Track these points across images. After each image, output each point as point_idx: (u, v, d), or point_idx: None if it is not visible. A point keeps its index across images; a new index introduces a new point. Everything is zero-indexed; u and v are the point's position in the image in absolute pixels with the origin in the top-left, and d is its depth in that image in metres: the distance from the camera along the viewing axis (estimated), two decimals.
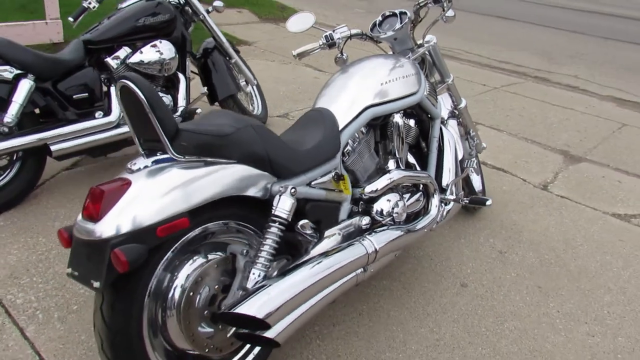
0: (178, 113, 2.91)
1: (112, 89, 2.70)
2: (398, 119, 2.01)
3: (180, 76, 2.97)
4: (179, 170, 1.39)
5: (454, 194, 2.23)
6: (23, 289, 2.01)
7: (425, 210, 2.11)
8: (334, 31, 2.18)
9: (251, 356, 1.66)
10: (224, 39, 3.24)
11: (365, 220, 1.86)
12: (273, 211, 1.53)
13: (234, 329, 1.51)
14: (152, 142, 1.42)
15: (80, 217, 1.34)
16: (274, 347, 1.62)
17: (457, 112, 2.50)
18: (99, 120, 2.62)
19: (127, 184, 1.34)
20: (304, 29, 2.21)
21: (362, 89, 1.94)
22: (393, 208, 1.94)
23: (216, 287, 1.51)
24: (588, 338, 1.99)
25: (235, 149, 1.48)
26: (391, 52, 2.33)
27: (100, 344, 1.38)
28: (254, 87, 3.56)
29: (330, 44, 2.16)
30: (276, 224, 1.52)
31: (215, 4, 3.18)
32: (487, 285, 2.24)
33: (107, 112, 2.66)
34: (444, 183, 2.20)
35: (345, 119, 1.88)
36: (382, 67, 2.03)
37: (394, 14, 2.23)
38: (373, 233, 1.81)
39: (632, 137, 4.02)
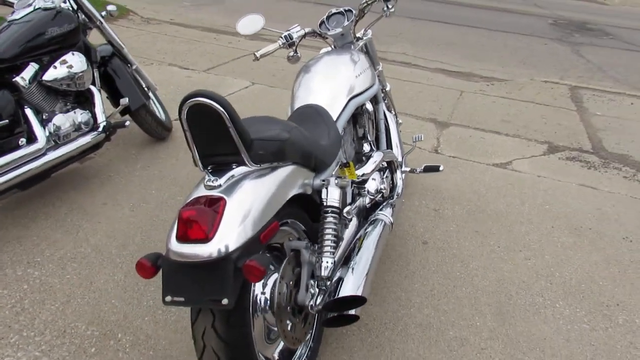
0: (100, 129, 2.71)
1: (29, 110, 2.41)
2: (369, 106, 2.26)
3: (93, 89, 2.76)
4: (260, 179, 1.45)
5: (408, 167, 2.58)
6: (19, 347, 1.79)
7: (393, 184, 2.41)
8: (289, 31, 2.31)
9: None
10: (122, 45, 3.06)
11: (367, 200, 2.09)
12: (325, 202, 1.67)
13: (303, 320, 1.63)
14: (222, 156, 1.44)
15: (174, 242, 1.32)
16: (355, 322, 1.77)
17: (384, 95, 2.84)
18: (26, 148, 2.33)
19: (222, 200, 1.36)
20: (255, 30, 2.30)
21: (342, 83, 2.13)
22: (380, 185, 2.20)
23: (290, 282, 1.61)
24: (527, 261, 2.53)
25: (293, 151, 1.58)
26: (332, 47, 2.54)
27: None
28: (154, 93, 3.42)
29: (290, 43, 2.30)
30: (330, 213, 1.67)
31: (109, 7, 2.98)
32: (441, 238, 2.66)
33: (32, 138, 2.37)
34: (399, 158, 2.53)
35: (336, 112, 2.06)
36: (349, 62, 2.25)
37: (340, 12, 2.44)
38: (381, 210, 2.05)
39: (473, 101, 4.87)
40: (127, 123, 2.85)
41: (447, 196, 3.06)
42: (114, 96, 3.00)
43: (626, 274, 2.50)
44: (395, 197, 2.29)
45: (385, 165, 2.42)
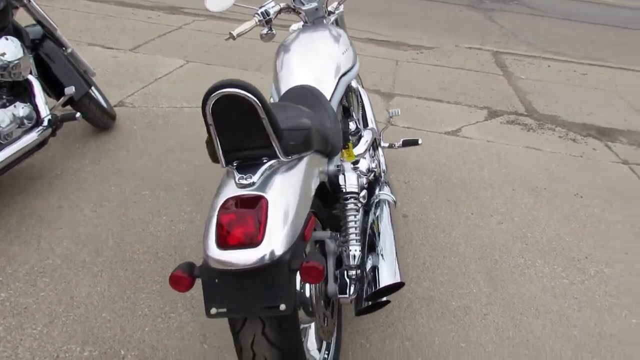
0: (45, 124, 2.42)
1: None
2: (354, 83, 2.20)
3: (31, 78, 2.45)
4: (292, 172, 1.37)
5: (386, 142, 2.57)
6: None
7: (377, 161, 2.39)
8: (264, 7, 2.17)
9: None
10: (56, 26, 2.73)
11: (364, 180, 2.06)
12: (344, 189, 1.62)
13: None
14: (250, 150, 1.33)
15: (214, 249, 1.21)
16: (386, 305, 1.73)
17: None
18: None
19: (262, 199, 1.26)
20: (225, 7, 2.15)
21: (330, 61, 2.05)
22: (371, 164, 2.17)
23: None
24: (500, 225, 2.65)
25: (317, 139, 1.50)
26: (304, 22, 2.43)
27: None
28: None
29: (267, 20, 2.16)
30: (351, 200, 1.62)
31: None
32: (418, 210, 2.70)
33: None
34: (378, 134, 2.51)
35: (329, 92, 1.99)
36: (332, 38, 2.16)
37: None
38: (381, 190, 2.02)
39: (409, 70, 4.96)
40: (78, 115, 2.57)
41: (412, 168, 3.11)
42: (51, 85, 2.68)
43: (585, 228, 2.70)
44: (382, 174, 2.28)
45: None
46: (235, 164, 1.35)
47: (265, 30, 2.23)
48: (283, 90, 2.00)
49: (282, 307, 1.21)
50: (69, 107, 2.74)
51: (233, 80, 1.24)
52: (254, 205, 1.25)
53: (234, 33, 2.11)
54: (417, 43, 5.99)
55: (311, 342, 1.64)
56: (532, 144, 3.63)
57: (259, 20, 2.15)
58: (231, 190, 1.30)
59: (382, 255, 1.57)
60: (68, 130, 3.06)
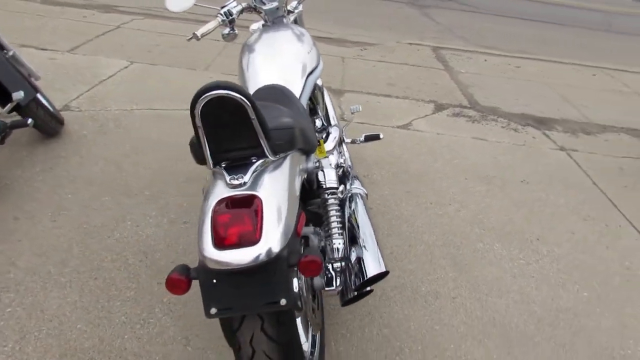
0: None
1: None
2: (319, 82, 2.24)
3: None
4: (279, 170, 1.40)
5: (349, 138, 2.63)
6: None
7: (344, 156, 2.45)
8: (226, 7, 2.17)
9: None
10: None
11: (336, 175, 2.11)
12: (324, 185, 1.66)
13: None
14: (239, 150, 1.35)
15: (211, 249, 1.22)
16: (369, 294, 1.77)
17: None
18: None
19: (256, 198, 1.28)
20: (186, 7, 2.14)
21: (296, 60, 2.08)
22: (339, 159, 2.23)
23: None
24: (459, 213, 2.79)
25: (300, 137, 1.53)
26: (264, 21, 2.44)
27: None
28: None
29: (231, 20, 2.16)
30: (331, 195, 1.67)
31: None
32: (381, 203, 2.79)
33: None
34: None
35: (298, 91, 2.02)
36: (296, 38, 2.19)
37: None
38: (352, 184, 2.08)
39: (356, 67, 5.06)
40: (30, 121, 2.45)
41: (371, 162, 3.19)
42: None
43: (534, 212, 2.89)
44: (350, 169, 2.34)
45: None
46: (223, 165, 1.35)
47: (227, 31, 2.23)
48: (252, 89, 2.01)
49: (283, 302, 1.24)
50: (14, 113, 2.60)
51: (221, 82, 1.25)
52: (247, 205, 1.27)
53: (198, 34, 2.09)
54: (360, 40, 6.11)
55: (300, 336, 1.67)
56: (478, 134, 3.82)
57: (222, 21, 2.15)
58: (222, 191, 1.31)
59: (364, 246, 1.63)
60: (12, 137, 2.90)
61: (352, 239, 1.69)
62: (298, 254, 1.28)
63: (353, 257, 1.62)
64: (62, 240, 2.22)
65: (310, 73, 2.10)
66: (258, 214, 1.25)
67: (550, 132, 4.06)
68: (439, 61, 5.58)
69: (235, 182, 1.30)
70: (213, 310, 1.23)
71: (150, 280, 2.06)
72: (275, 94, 1.92)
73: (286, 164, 1.44)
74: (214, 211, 1.26)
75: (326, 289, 1.59)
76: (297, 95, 1.98)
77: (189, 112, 1.26)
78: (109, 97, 3.60)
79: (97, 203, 2.48)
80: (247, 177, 1.32)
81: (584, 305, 2.22)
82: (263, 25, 2.42)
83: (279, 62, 2.07)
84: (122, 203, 2.50)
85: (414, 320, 2.03)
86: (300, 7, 2.50)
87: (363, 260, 1.56)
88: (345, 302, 1.62)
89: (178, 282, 1.24)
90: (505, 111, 4.38)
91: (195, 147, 1.40)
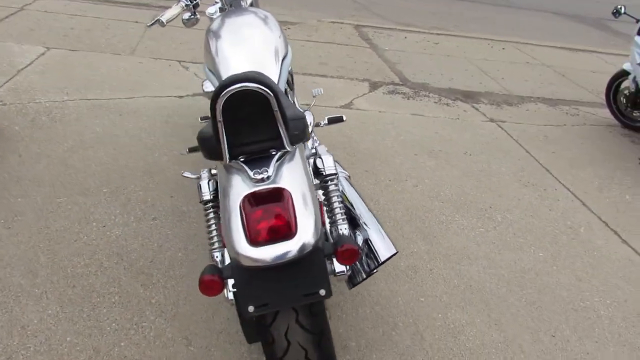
0: None
1: None
2: (291, 68, 2.22)
3: None
4: (296, 161, 1.40)
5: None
6: None
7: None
8: None
9: None
10: None
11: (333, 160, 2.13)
12: (324, 172, 1.67)
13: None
14: (258, 143, 1.32)
15: (246, 247, 1.21)
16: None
17: None
18: None
19: (284, 191, 1.27)
20: None
21: (269, 46, 2.04)
22: (315, 143, 2.24)
23: None
24: (416, 188, 2.92)
25: (307, 128, 1.52)
26: (222, 4, 2.35)
27: (304, 355, 1.34)
28: None
29: (195, 4, 2.07)
30: (331, 181, 1.68)
31: None
32: None
33: None
34: None
35: (275, 77, 1.99)
36: (263, 22, 2.15)
37: None
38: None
39: None
40: None
41: (325, 143, 3.22)
42: None
43: (481, 181, 3.10)
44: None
45: None
46: (241, 159, 1.32)
47: (188, 15, 2.13)
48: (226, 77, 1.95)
49: (322, 292, 1.26)
50: None
51: (247, 74, 1.22)
52: (276, 199, 1.26)
53: (163, 20, 1.98)
54: (282, 19, 6.03)
55: None
56: (415, 110, 3.98)
57: (186, 5, 2.04)
58: (247, 186, 1.28)
59: (367, 228, 1.66)
60: None
61: (353, 222, 1.72)
62: (332, 243, 1.29)
63: (360, 240, 1.65)
64: (24, 248, 2.03)
65: (284, 58, 2.07)
66: (290, 207, 1.24)
67: (477, 105, 4.32)
68: (363, 39, 5.69)
69: (260, 176, 1.28)
70: (251, 308, 1.22)
71: (132, 282, 1.96)
72: None
73: (298, 153, 1.43)
74: (243, 207, 1.23)
75: (337, 272, 1.61)
76: (275, 81, 1.96)
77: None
78: (34, 88, 3.29)
79: (53, 205, 2.29)
80: (270, 170, 1.30)
81: (542, 265, 2.44)
82: (220, 9, 2.34)
83: (252, 48, 2.02)
84: (80, 203, 2.33)
85: (400, 295, 2.12)
86: None
87: (371, 242, 1.60)
88: (354, 285, 1.66)
89: (212, 283, 1.21)
90: (434, 86, 4.59)
91: (208, 141, 1.34)
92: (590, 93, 5.04)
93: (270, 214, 1.22)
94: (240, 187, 1.30)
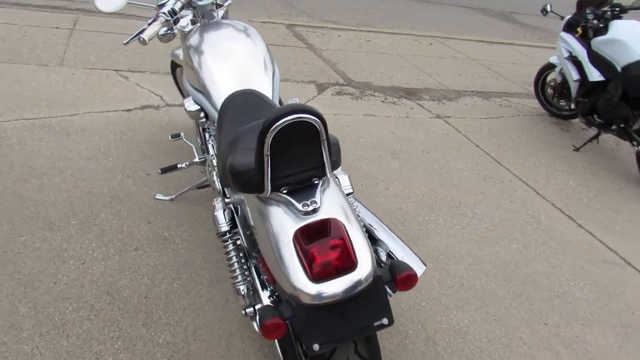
0: None
1: None
2: None
3: None
4: (334, 187, 1.36)
5: None
6: None
7: None
8: (163, 4, 1.95)
9: None
10: None
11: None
12: (345, 190, 1.65)
13: None
14: (301, 173, 1.27)
15: (308, 284, 1.17)
16: None
17: None
18: None
19: (337, 222, 1.24)
20: (118, 7, 1.89)
21: (260, 62, 1.98)
22: None
23: None
24: (388, 190, 2.96)
25: (340, 153, 1.47)
26: (194, 17, 2.24)
27: None
28: None
29: (175, 19, 1.95)
30: (351, 198, 1.67)
31: None
32: None
33: None
34: None
35: (270, 93, 1.93)
36: (246, 35, 2.07)
37: None
38: None
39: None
40: None
41: None
42: None
43: (445, 179, 3.21)
44: None
45: None
46: (284, 191, 1.26)
47: (164, 30, 2.01)
48: (219, 96, 1.86)
49: (385, 321, 1.24)
50: None
51: (294, 105, 1.16)
52: (328, 230, 1.22)
53: (145, 37, 1.85)
54: None
55: None
56: (367, 111, 4.03)
57: (166, 20, 1.92)
58: (296, 218, 1.23)
59: (383, 241, 1.65)
60: None
61: (371, 239, 1.71)
62: (386, 269, 1.28)
63: (383, 256, 1.64)
64: None
65: (274, 73, 2.01)
66: (346, 238, 1.21)
67: (421, 102, 4.46)
68: (299, 39, 5.65)
69: (309, 207, 1.24)
70: (316, 347, 1.18)
71: (132, 323, 1.82)
72: (255, 100, 1.81)
73: (331, 179, 1.39)
74: (297, 242, 1.18)
75: None
76: (272, 98, 1.90)
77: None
78: None
79: (17, 245, 2.06)
80: (318, 201, 1.25)
81: (519, 256, 2.58)
82: (192, 21, 2.22)
83: (239, 62, 1.94)
84: (49, 239, 2.12)
85: (403, 302, 2.15)
86: (230, 1, 2.33)
87: (395, 257, 1.60)
88: None
89: (276, 326, 1.16)
90: (377, 85, 4.67)
91: (246, 174, 1.27)
92: (516, 84, 5.38)
93: (329, 247, 1.18)
94: (288, 221, 1.24)
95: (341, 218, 1.26)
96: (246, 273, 1.58)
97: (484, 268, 2.44)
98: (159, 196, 2.49)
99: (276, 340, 1.54)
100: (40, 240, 2.11)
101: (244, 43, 2.03)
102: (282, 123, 1.14)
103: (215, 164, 2.00)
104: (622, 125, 3.56)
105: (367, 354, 1.32)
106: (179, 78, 2.98)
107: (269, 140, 1.16)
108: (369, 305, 1.22)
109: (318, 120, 1.18)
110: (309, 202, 1.25)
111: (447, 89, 4.90)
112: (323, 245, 1.18)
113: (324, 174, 1.30)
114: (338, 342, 1.20)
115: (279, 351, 1.50)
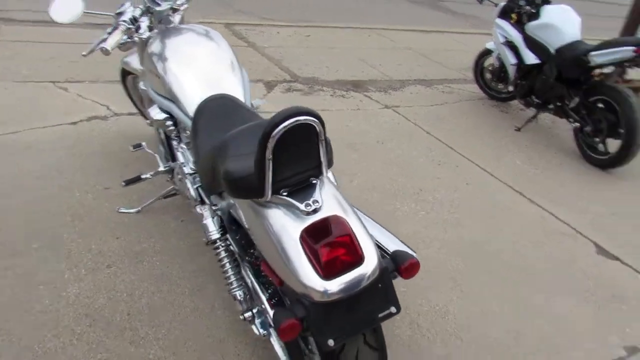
0: None
1: None
2: None
3: None
4: (330, 184, 1.39)
5: None
6: None
7: None
8: (122, 12, 1.89)
9: None
10: None
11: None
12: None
13: None
14: (300, 174, 1.29)
15: (319, 282, 1.19)
16: None
17: None
18: None
19: (340, 218, 1.27)
20: (74, 17, 1.83)
21: (223, 62, 1.97)
22: None
23: None
24: (353, 183, 3.02)
25: (332, 151, 1.48)
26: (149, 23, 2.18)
27: None
28: None
29: (137, 27, 1.90)
30: None
31: None
32: None
33: None
34: None
35: (242, 96, 1.93)
36: (211, 40, 2.05)
37: None
38: None
39: None
40: None
41: None
42: None
43: (402, 167, 3.30)
44: None
45: None
46: (284, 193, 1.27)
47: (125, 38, 1.95)
48: (190, 101, 1.84)
49: (393, 309, 1.28)
50: None
51: (293, 108, 1.17)
52: (333, 228, 1.24)
53: (108, 47, 1.79)
54: None
55: None
56: (319, 106, 4.06)
57: (127, 29, 1.86)
58: (299, 219, 1.25)
59: (378, 235, 1.69)
60: None
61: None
62: (394, 260, 1.32)
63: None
64: None
65: (242, 74, 2.01)
66: (352, 234, 1.24)
67: (368, 93, 4.55)
68: (239, 38, 5.60)
69: (311, 207, 1.26)
70: (331, 342, 1.20)
71: (119, 342, 1.76)
72: (231, 105, 1.81)
73: (325, 177, 1.41)
74: (304, 242, 1.20)
75: None
76: (243, 101, 1.90)
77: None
78: None
79: None
80: (318, 202, 1.28)
81: (482, 235, 2.71)
82: (149, 27, 2.16)
83: (207, 66, 1.93)
84: (14, 266, 2.01)
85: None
86: (187, 5, 2.29)
87: (383, 246, 1.63)
88: None
89: (292, 326, 1.18)
90: (324, 80, 4.72)
91: (244, 180, 1.27)
92: (454, 71, 5.59)
93: (337, 244, 1.20)
94: (292, 222, 1.26)
95: (342, 214, 1.28)
96: (241, 278, 1.57)
97: (452, 250, 2.54)
98: (123, 210, 2.41)
99: (276, 341, 1.56)
100: (4, 268, 1.99)
101: (208, 47, 2.00)
102: (285, 127, 1.15)
103: (187, 171, 1.97)
104: (558, 104, 3.79)
105: (375, 342, 1.36)
106: (130, 86, 2.89)
107: (271, 144, 1.16)
108: (377, 296, 1.25)
109: (317, 121, 1.20)
110: (310, 202, 1.26)
111: (391, 79, 5.02)
112: (331, 243, 1.20)
113: (321, 173, 1.31)
114: (351, 335, 1.23)
115: (279, 352, 1.52)
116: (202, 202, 1.92)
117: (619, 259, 2.64)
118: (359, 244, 1.23)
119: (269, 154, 1.17)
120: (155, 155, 2.38)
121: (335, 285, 1.18)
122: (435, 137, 3.81)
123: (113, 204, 2.45)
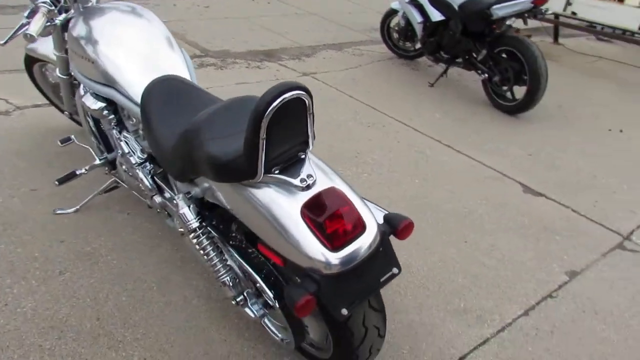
0: None
1: None
2: None
3: None
4: (315, 156, 1.39)
5: None
6: None
7: None
8: None
9: None
10: None
11: None
12: None
13: None
14: (290, 150, 1.27)
15: (330, 254, 1.21)
16: None
17: None
18: None
19: (336, 190, 1.28)
20: None
21: (157, 37, 1.89)
22: None
23: None
24: None
25: None
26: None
27: (377, 334, 1.41)
28: None
29: (60, 8, 1.72)
30: None
31: None
32: None
33: None
34: None
35: (188, 77, 1.83)
36: (141, 15, 1.92)
37: None
38: None
39: None
40: None
41: None
42: None
43: (335, 133, 3.35)
44: None
45: None
46: (276, 171, 1.25)
47: (41, 22, 1.76)
48: (132, 85, 1.72)
49: (396, 270, 1.33)
50: None
51: (283, 84, 1.15)
52: (330, 200, 1.25)
53: (33, 33, 1.61)
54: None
55: None
56: (236, 79, 3.96)
57: (49, 11, 1.67)
58: (296, 195, 1.24)
59: None
60: None
61: None
62: (388, 222, 1.35)
63: None
64: None
65: (182, 52, 1.91)
66: (351, 203, 1.26)
67: (283, 62, 4.51)
68: None
69: (306, 183, 1.26)
70: (344, 311, 1.23)
71: (95, 349, 1.65)
72: (181, 86, 1.73)
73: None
74: (306, 217, 1.20)
75: None
76: (190, 80, 1.82)
77: None
78: None
79: None
80: (313, 176, 1.28)
81: (422, 189, 2.85)
82: (65, 10, 1.96)
83: (149, 48, 1.81)
84: None
85: None
86: None
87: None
88: None
89: (308, 302, 1.19)
90: (235, 52, 4.59)
91: (234, 163, 1.23)
92: (360, 33, 5.69)
93: (340, 215, 1.21)
94: (289, 199, 1.24)
95: (338, 184, 1.29)
96: (227, 263, 1.53)
97: (400, 205, 2.66)
98: (59, 211, 2.22)
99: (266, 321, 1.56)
100: None
101: (140, 24, 1.87)
102: (278, 104, 1.11)
103: (136, 161, 1.84)
104: (467, 57, 4.02)
105: (378, 305, 1.41)
106: (38, 75, 2.62)
107: (265, 124, 1.13)
108: (380, 260, 1.29)
109: (306, 95, 1.18)
110: (305, 177, 1.26)
111: (302, 46, 5.00)
112: (334, 214, 1.20)
113: (308, 147, 1.30)
114: (360, 300, 1.26)
115: (275, 330, 1.53)
116: (160, 192, 1.83)
117: (543, 195, 2.92)
118: (359, 213, 1.25)
119: (262, 134, 1.14)
120: (88, 148, 2.20)
121: (345, 255, 1.20)
122: (357, 99, 3.88)
123: (46, 206, 2.24)
